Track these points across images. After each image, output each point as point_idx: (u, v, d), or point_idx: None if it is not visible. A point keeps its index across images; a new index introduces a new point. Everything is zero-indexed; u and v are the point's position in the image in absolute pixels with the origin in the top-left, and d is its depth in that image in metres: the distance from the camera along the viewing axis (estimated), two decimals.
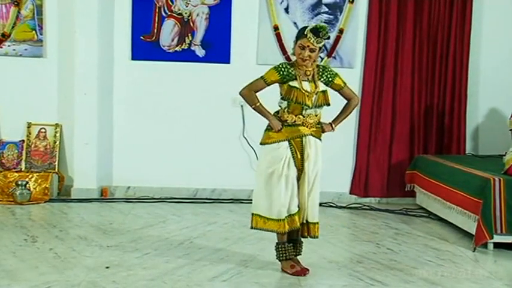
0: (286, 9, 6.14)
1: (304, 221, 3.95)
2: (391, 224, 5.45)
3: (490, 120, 6.43)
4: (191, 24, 6.13)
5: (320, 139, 3.95)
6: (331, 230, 5.13)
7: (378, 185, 6.29)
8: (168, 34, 6.12)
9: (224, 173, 6.21)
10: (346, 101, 4.05)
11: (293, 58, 3.93)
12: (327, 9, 6.15)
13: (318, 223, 3.97)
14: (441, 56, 6.24)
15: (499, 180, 4.63)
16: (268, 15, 6.10)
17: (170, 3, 6.09)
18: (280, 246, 3.95)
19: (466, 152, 6.32)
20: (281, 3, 6.13)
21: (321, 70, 3.91)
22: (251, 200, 6.34)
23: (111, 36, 6.11)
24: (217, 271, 3.94)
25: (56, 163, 6.08)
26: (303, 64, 3.80)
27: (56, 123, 6.14)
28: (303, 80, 3.83)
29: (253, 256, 4.28)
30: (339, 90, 3.98)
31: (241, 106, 6.13)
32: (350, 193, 6.29)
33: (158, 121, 6.22)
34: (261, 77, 3.87)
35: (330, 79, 3.91)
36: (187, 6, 6.11)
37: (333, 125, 4.01)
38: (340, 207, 6.01)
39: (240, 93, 3.94)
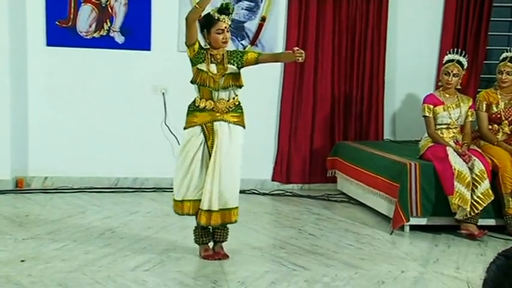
0: None
1: (216, 208, 3.85)
2: (313, 210, 5.54)
3: (406, 106, 6.62)
4: (109, 9, 5.96)
5: (240, 125, 3.94)
6: (254, 216, 5.15)
7: (300, 171, 6.36)
8: (85, 20, 5.92)
9: (146, 162, 6.10)
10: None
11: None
12: None
13: (234, 209, 3.91)
14: (360, 43, 6.35)
15: (415, 164, 4.79)
16: (189, 1, 6.01)
17: None
18: (195, 230, 4.01)
19: (384, 138, 6.50)
20: None
21: (229, 53, 3.93)
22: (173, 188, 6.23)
23: (24, 21, 5.84)
24: (139, 261, 3.87)
25: None
26: (223, 46, 3.86)
27: None
28: (211, 63, 3.86)
29: (175, 245, 4.23)
30: (257, 61, 3.93)
31: (163, 94, 6.05)
32: (272, 180, 6.34)
33: (77, 109, 6.02)
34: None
35: (241, 57, 3.92)
36: None
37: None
38: (263, 194, 6.04)
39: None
